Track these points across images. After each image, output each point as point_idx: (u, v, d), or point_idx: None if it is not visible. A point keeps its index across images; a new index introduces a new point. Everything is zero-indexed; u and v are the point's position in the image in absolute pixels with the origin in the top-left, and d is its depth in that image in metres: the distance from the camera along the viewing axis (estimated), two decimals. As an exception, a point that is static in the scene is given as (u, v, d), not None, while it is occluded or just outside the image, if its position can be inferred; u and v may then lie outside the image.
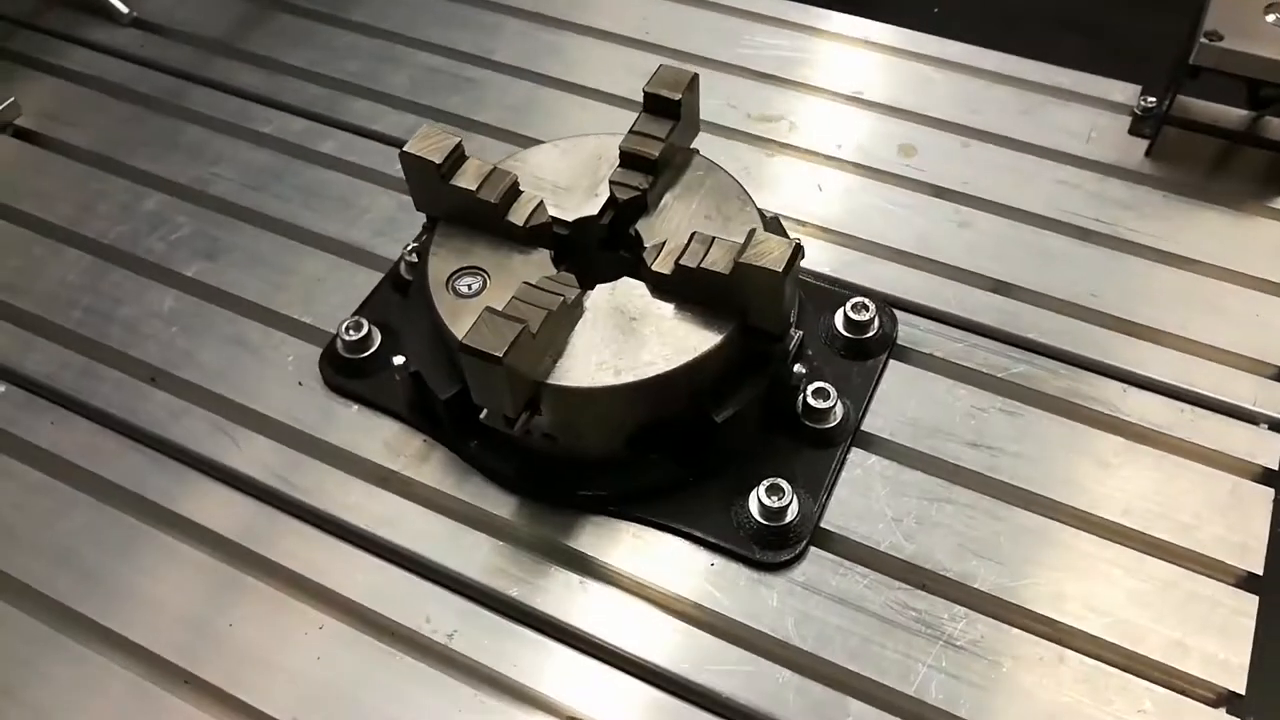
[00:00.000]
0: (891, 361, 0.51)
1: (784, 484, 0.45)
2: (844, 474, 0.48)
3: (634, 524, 0.47)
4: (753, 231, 0.42)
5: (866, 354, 0.51)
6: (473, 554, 0.46)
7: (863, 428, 0.49)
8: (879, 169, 0.60)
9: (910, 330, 0.52)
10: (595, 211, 0.48)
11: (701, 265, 0.43)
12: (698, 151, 0.51)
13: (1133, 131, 0.60)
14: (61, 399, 0.53)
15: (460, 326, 0.43)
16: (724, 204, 0.48)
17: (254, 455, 0.50)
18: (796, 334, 0.47)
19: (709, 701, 0.42)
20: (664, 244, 0.45)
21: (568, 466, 0.47)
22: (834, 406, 0.48)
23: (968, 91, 0.64)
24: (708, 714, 0.42)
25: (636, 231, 0.47)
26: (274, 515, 0.48)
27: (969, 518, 0.46)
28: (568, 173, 0.49)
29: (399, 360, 0.48)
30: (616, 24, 0.69)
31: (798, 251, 0.42)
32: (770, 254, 0.41)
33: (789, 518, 0.45)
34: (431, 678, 0.43)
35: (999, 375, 0.51)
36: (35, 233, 0.60)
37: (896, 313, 0.53)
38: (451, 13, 0.71)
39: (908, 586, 0.44)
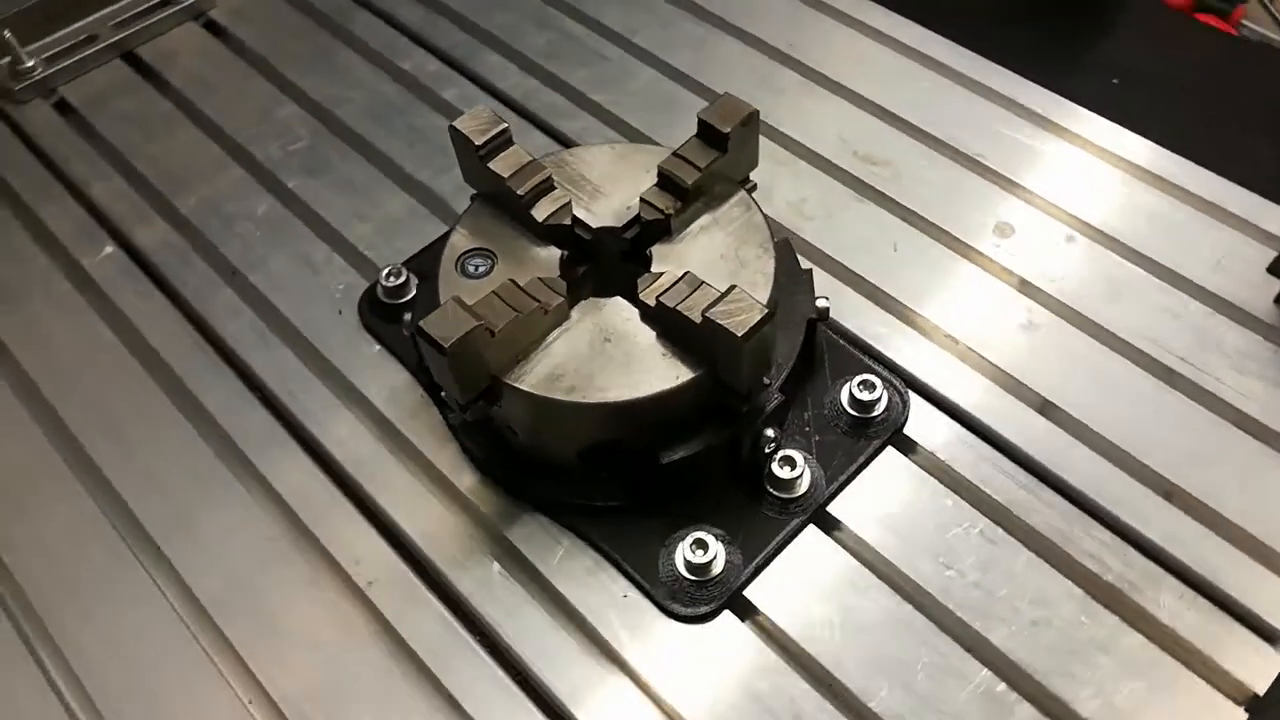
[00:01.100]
0: (889, 449, 0.49)
1: (711, 539, 0.45)
2: (791, 548, 0.46)
3: (571, 534, 0.47)
4: (732, 288, 0.41)
5: (863, 434, 0.48)
6: (421, 516, 0.49)
7: (829, 508, 0.47)
8: (965, 241, 0.56)
9: (925, 421, 0.49)
10: (620, 224, 0.48)
11: (677, 307, 0.42)
12: (745, 188, 0.49)
13: (1271, 270, 0.53)
14: (153, 274, 0.59)
15: (453, 299, 0.45)
16: (745, 248, 0.47)
17: (276, 364, 0.54)
18: (776, 397, 0.45)
19: (572, 724, 0.43)
20: (662, 274, 0.45)
21: (526, 462, 0.48)
22: (799, 478, 0.46)
23: (1101, 181, 0.58)
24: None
25: (650, 254, 0.47)
26: (273, 426, 0.53)
27: (897, 636, 0.44)
28: (613, 179, 0.50)
29: (407, 317, 0.50)
30: (764, 30, 0.67)
31: (766, 319, 0.40)
32: (735, 316, 0.40)
33: (710, 574, 0.45)
34: (341, 614, 0.46)
35: (997, 497, 0.47)
36: (185, 116, 0.67)
37: (916, 398, 0.50)
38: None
39: (805, 683, 0.43)
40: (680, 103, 0.64)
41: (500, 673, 0.44)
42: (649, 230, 0.47)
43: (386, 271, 0.55)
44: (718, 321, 0.40)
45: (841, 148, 0.60)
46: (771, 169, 0.60)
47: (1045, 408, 0.50)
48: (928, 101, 0.62)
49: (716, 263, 0.46)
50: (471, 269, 0.47)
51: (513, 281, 0.44)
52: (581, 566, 0.47)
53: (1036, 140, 0.60)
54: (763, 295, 0.45)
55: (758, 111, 0.47)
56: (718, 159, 0.47)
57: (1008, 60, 0.63)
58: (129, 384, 0.55)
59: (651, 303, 0.44)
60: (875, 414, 0.49)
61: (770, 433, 0.46)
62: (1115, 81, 0.66)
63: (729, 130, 0.46)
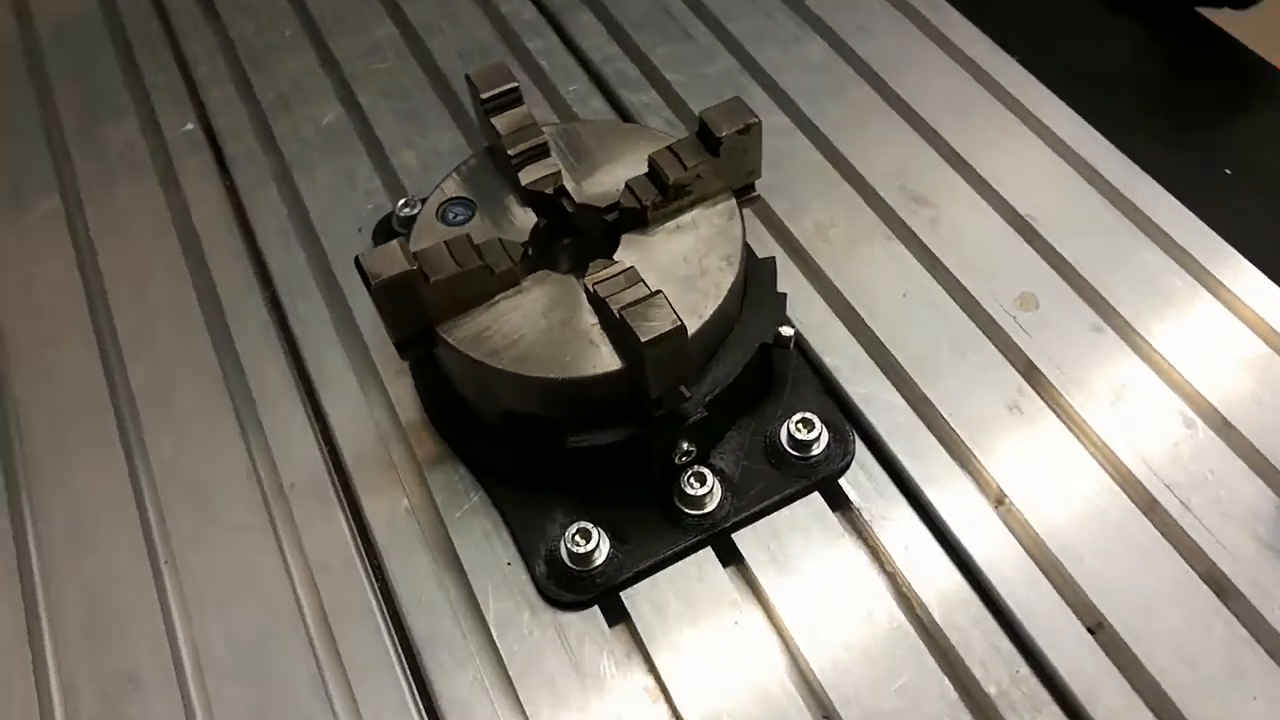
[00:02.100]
0: (815, 495, 0.47)
1: (597, 533, 0.45)
2: (682, 566, 0.45)
3: (483, 491, 0.48)
4: (657, 292, 0.41)
5: (791, 472, 0.47)
6: (358, 436, 0.51)
7: (735, 537, 0.46)
8: (983, 306, 0.52)
9: (867, 479, 0.47)
10: (603, 205, 0.48)
11: (605, 298, 0.42)
12: (745, 197, 0.48)
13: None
14: (218, 157, 0.64)
15: (418, 244, 0.47)
16: (710, 256, 0.45)
17: (288, 265, 0.57)
18: (700, 411, 0.44)
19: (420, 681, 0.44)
20: (614, 264, 0.44)
21: (459, 412, 0.49)
22: (706, 496, 0.45)
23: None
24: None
25: (620, 240, 0.47)
26: (266, 320, 0.56)
27: (758, 689, 0.42)
28: (616, 159, 0.49)
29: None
30: (859, 43, 0.64)
31: (675, 332, 0.39)
32: (647, 320, 0.40)
33: (590, 565, 0.45)
34: (258, 506, 0.49)
35: (914, 583, 0.44)
36: (296, 16, 0.71)
37: (865, 453, 0.48)
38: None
39: (645, 699, 0.43)
40: (748, 98, 0.62)
41: (374, 602, 0.46)
42: (626, 217, 0.47)
43: (403, 202, 0.56)
44: (628, 321, 0.40)
45: (891, 178, 0.58)
46: (811, 184, 0.58)
47: (1000, 504, 0.46)
48: (1003, 150, 0.58)
49: (677, 264, 0.45)
50: (451, 216, 0.48)
51: (468, 238, 0.45)
52: (481, 526, 0.47)
53: (1133, 244, 0.55)
54: (708, 307, 0.44)
55: (760, 123, 0.46)
56: (707, 161, 0.46)
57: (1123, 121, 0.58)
58: (162, 249, 0.59)
59: (590, 288, 0.43)
60: (809, 455, 0.47)
61: (686, 445, 0.45)
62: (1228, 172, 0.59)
63: (723, 135, 0.45)
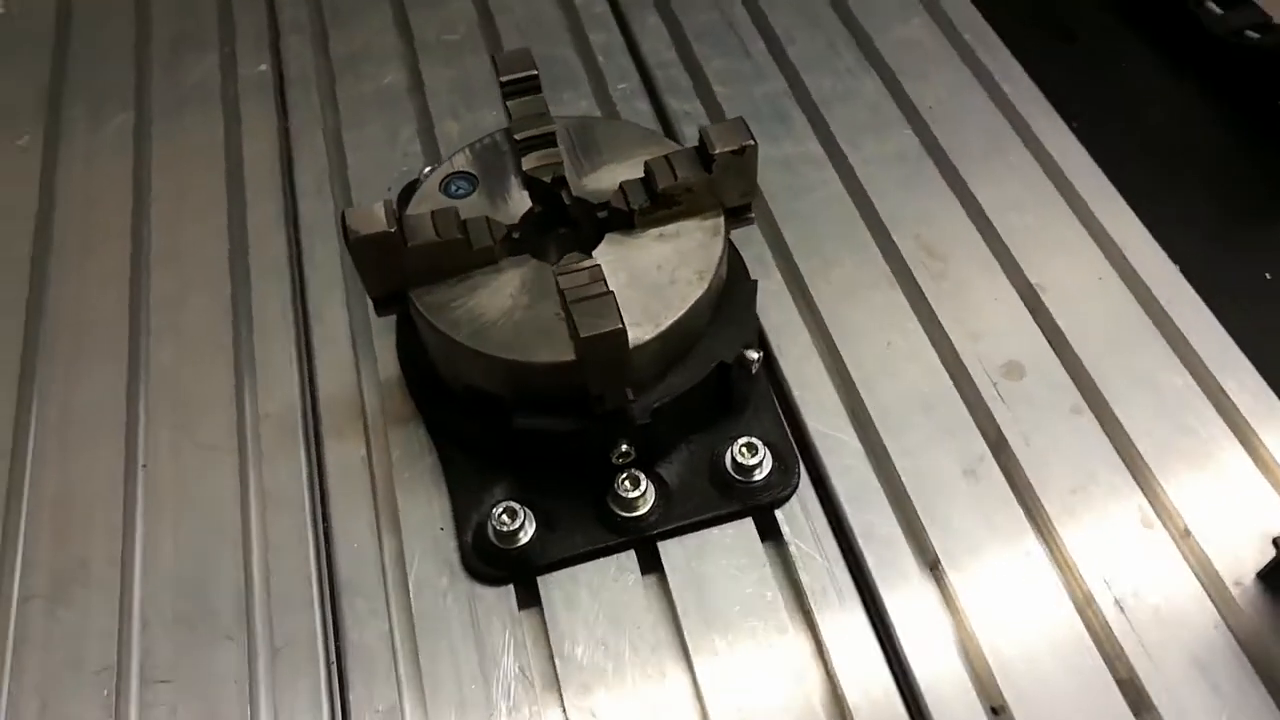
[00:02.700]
0: (748, 521, 0.47)
1: (524, 513, 0.46)
2: (602, 564, 0.46)
3: (437, 455, 0.50)
4: (608, 293, 0.41)
5: (728, 494, 0.47)
6: (339, 379, 0.53)
7: (660, 547, 0.47)
8: (965, 366, 0.51)
9: (805, 516, 0.47)
10: (596, 201, 0.49)
11: (563, 290, 0.43)
12: (740, 217, 0.49)
13: None
14: (281, 100, 0.67)
15: (416, 209, 0.49)
16: (683, 269, 0.46)
17: (316, 210, 0.60)
18: (644, 419, 0.45)
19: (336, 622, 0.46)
20: (585, 260, 0.45)
21: (428, 378, 0.50)
22: (637, 500, 0.46)
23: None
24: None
25: (603, 238, 0.48)
26: (282, 256, 0.59)
27: (647, 695, 0.43)
28: (623, 159, 0.50)
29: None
30: (913, 86, 0.64)
31: (613, 336, 0.40)
32: (588, 317, 0.40)
33: (513, 543, 0.46)
34: (229, 430, 0.52)
35: (823, 629, 0.44)
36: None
37: (809, 491, 0.48)
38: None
39: (535, 673, 0.44)
40: (789, 123, 0.63)
41: (311, 540, 0.48)
42: (615, 217, 0.48)
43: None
44: (573, 315, 0.41)
45: (909, 224, 0.57)
46: (829, 218, 0.58)
47: (933, 568, 0.46)
48: (1029, 213, 0.57)
49: (649, 270, 0.46)
50: (453, 189, 0.50)
51: (455, 211, 0.46)
52: (426, 488, 0.49)
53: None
54: (668, 318, 0.44)
55: (755, 146, 0.46)
56: (699, 176, 0.46)
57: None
58: (210, 176, 0.63)
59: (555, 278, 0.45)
60: (750, 480, 0.47)
61: (625, 447, 0.46)
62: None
63: (717, 153, 0.46)
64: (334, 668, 0.44)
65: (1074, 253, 0.56)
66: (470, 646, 0.44)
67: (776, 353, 0.53)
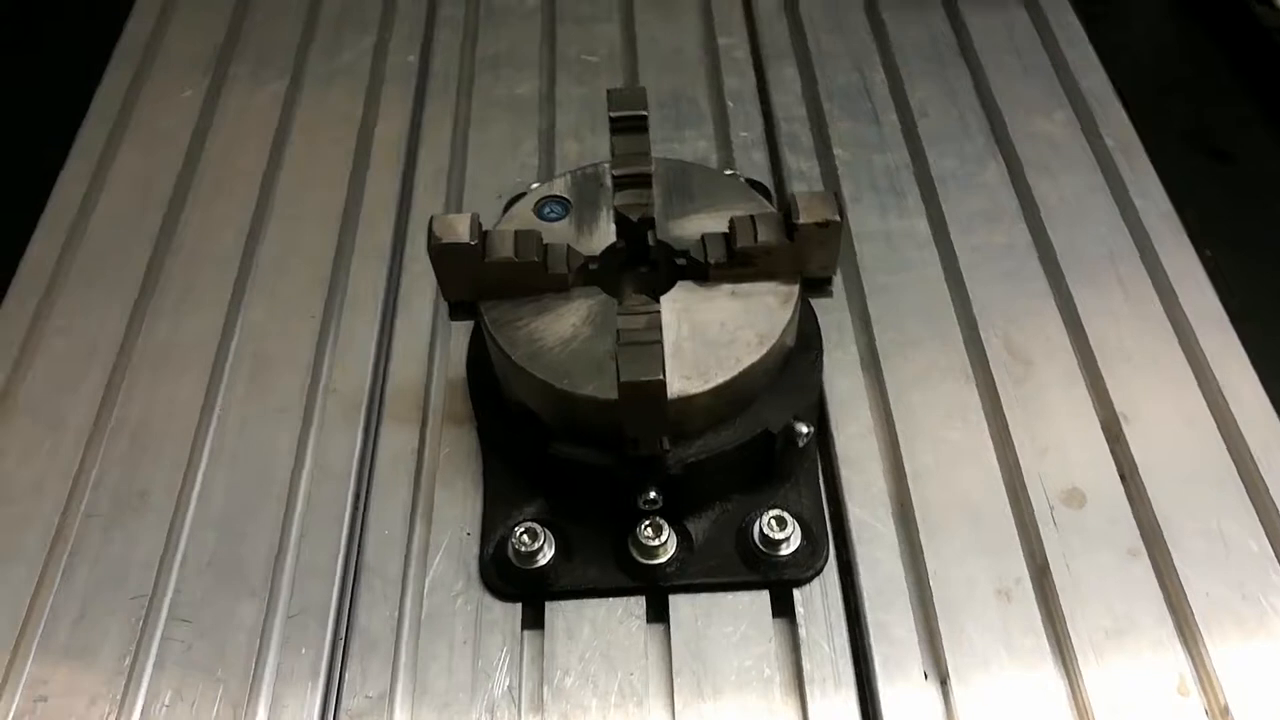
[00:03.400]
0: (764, 594, 0.46)
1: (545, 536, 0.47)
2: (611, 603, 0.46)
3: (483, 461, 0.51)
4: (656, 343, 0.41)
5: (750, 563, 0.47)
6: (411, 369, 0.55)
7: (672, 599, 0.47)
8: (1026, 489, 0.50)
9: (824, 603, 0.46)
10: (679, 248, 0.49)
11: (619, 330, 0.43)
12: (818, 288, 0.48)
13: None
14: (419, 87, 0.70)
15: (504, 225, 0.50)
16: (745, 331, 0.46)
17: (429, 198, 0.63)
18: (676, 469, 0.45)
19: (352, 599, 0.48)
20: (650, 304, 0.46)
21: (488, 386, 0.51)
22: (658, 549, 0.46)
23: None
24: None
25: (676, 285, 0.48)
26: (388, 227, 0.61)
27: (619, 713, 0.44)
28: (715, 210, 0.50)
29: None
30: (1042, 184, 0.62)
31: (651, 386, 0.40)
32: (631, 363, 0.41)
33: (531, 564, 0.47)
34: (297, 397, 0.54)
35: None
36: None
37: (833, 576, 0.47)
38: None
39: (524, 695, 0.44)
40: (902, 198, 0.62)
41: (347, 517, 0.50)
42: (691, 266, 0.48)
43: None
44: (618, 358, 0.41)
45: (999, 321, 0.55)
46: (920, 299, 0.57)
47: (943, 683, 0.44)
48: (1129, 333, 0.54)
49: (711, 326, 0.46)
50: (545, 211, 0.51)
51: (539, 235, 0.48)
52: (465, 491, 0.50)
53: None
54: (718, 377, 0.44)
55: (840, 224, 0.45)
56: (780, 241, 0.46)
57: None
58: (338, 150, 0.66)
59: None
60: (774, 553, 0.46)
61: (654, 494, 0.46)
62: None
63: (800, 223, 0.45)
64: (339, 644, 0.46)
65: (1169, 385, 0.53)
66: (468, 655, 0.45)
67: (833, 426, 0.52)
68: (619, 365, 0.41)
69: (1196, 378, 0.53)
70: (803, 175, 0.63)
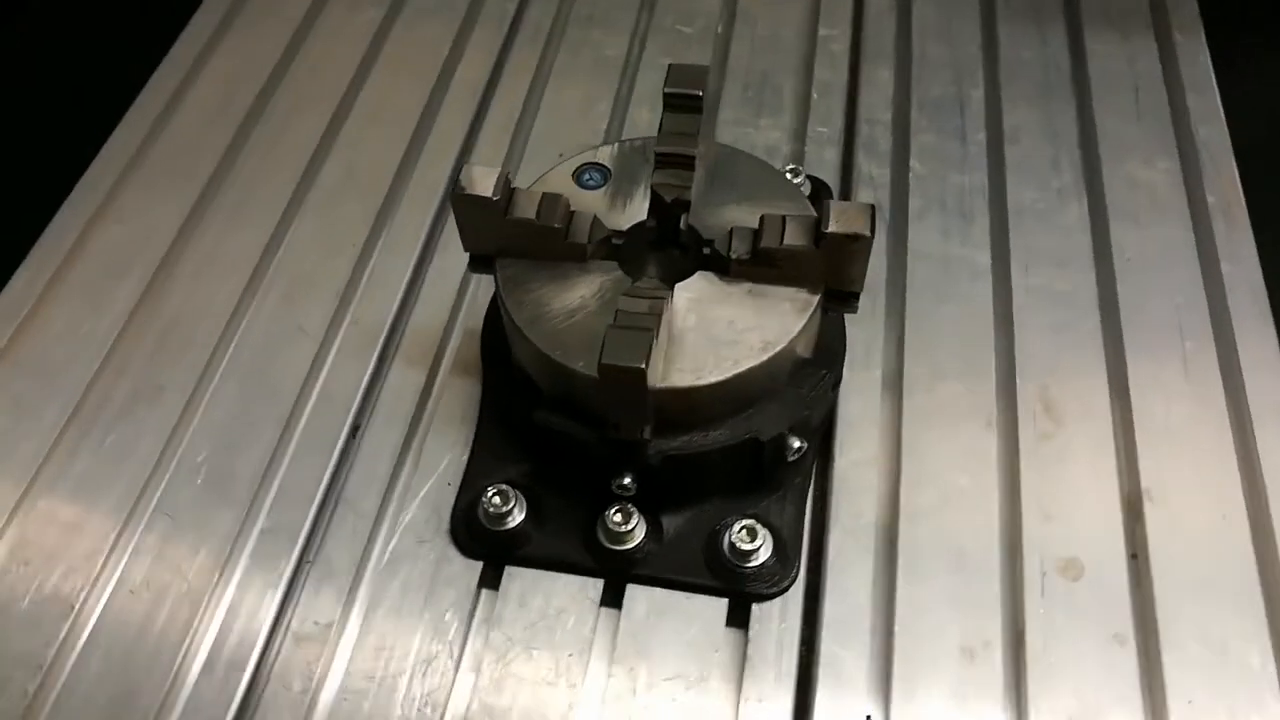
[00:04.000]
0: (722, 601, 0.45)
1: (517, 500, 0.46)
2: (568, 580, 0.46)
3: (479, 414, 0.51)
4: (649, 330, 0.40)
5: (712, 569, 0.45)
6: (434, 311, 0.56)
7: (629, 586, 0.46)
8: (1025, 581, 0.47)
9: (780, 625, 0.45)
10: (705, 236, 0.48)
11: (618, 310, 0.42)
12: (842, 303, 0.46)
13: None
14: (513, 32, 0.70)
15: (536, 186, 0.49)
16: (753, 333, 0.44)
17: (485, 144, 0.63)
18: (654, 459, 0.44)
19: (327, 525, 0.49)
20: (654, 285, 0.45)
21: (496, 342, 0.51)
22: (626, 534, 0.46)
23: None
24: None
25: (692, 273, 0.47)
26: (445, 169, 0.62)
27: (545, 690, 0.43)
28: (756, 204, 0.48)
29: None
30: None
31: (631, 373, 0.39)
32: (616, 346, 0.40)
33: (500, 526, 0.46)
34: (321, 322, 0.55)
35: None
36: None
37: (797, 597, 0.45)
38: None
39: (466, 654, 0.44)
40: (969, 223, 0.58)
41: (340, 445, 0.51)
42: (715, 257, 0.47)
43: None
44: (605, 338, 0.40)
45: (1038, 373, 0.52)
46: (959, 333, 0.54)
47: (894, 723, 0.43)
48: (1176, 405, 0.51)
49: (719, 322, 0.45)
50: (585, 179, 0.50)
51: (566, 200, 0.47)
52: (456, 440, 0.51)
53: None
54: (711, 375, 0.43)
55: (869, 240, 0.43)
56: (804, 246, 0.44)
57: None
58: (419, 86, 0.66)
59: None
60: (739, 564, 0.45)
61: (628, 480, 0.45)
62: None
63: (830, 232, 0.43)
64: (302, 568, 0.47)
65: (1209, 473, 0.49)
66: (419, 603, 0.46)
67: (837, 448, 0.50)
68: (604, 345, 0.40)
69: (1242, 473, 0.49)
70: (872, 181, 0.61)
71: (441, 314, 0.56)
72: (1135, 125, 0.63)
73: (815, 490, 0.49)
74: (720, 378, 0.43)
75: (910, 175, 0.61)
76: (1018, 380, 0.52)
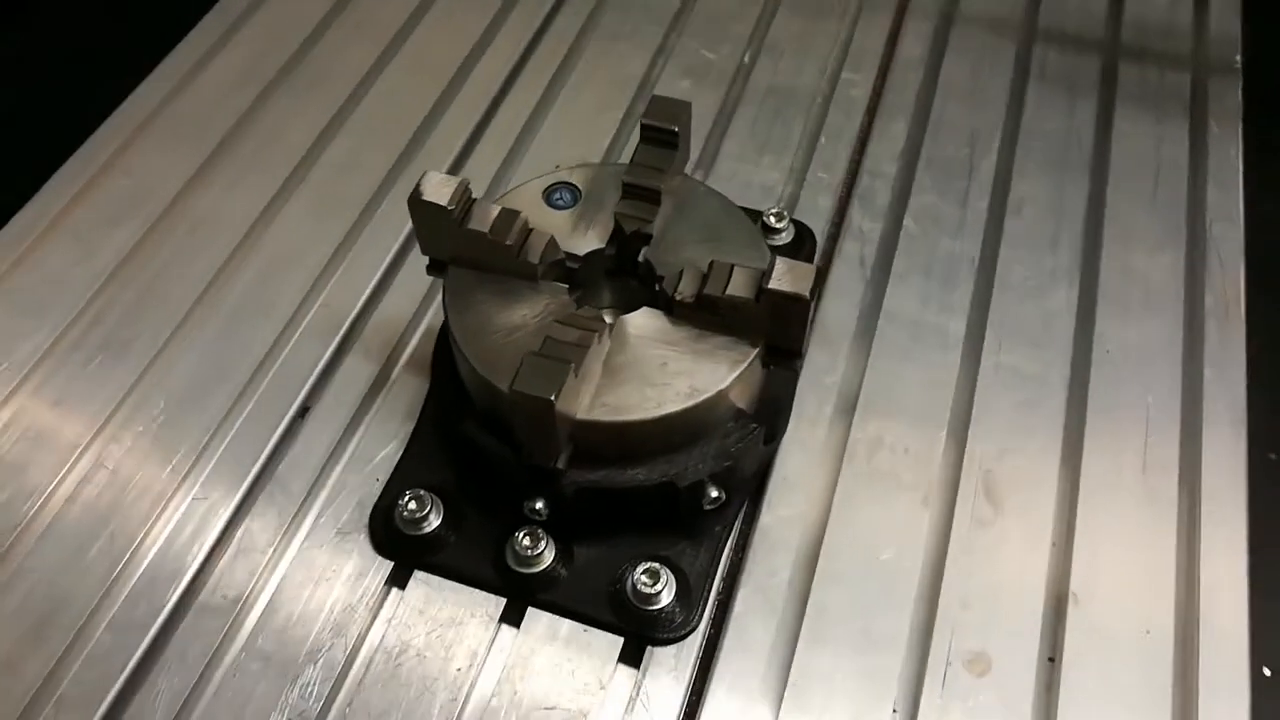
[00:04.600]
0: (619, 641, 0.45)
1: (433, 505, 0.47)
2: (471, 592, 0.46)
3: (419, 416, 0.52)
4: (568, 364, 0.40)
5: (615, 607, 0.45)
6: (401, 305, 0.56)
7: (530, 609, 0.46)
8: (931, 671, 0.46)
9: (672, 674, 0.45)
10: (659, 272, 0.48)
11: (546, 335, 0.42)
12: (773, 356, 0.46)
13: None
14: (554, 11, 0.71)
15: (501, 200, 0.50)
16: (682, 378, 0.44)
17: (491, 146, 0.64)
18: (567, 489, 0.44)
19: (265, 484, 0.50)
20: (595, 318, 0.44)
21: (445, 345, 0.51)
22: (534, 557, 0.46)
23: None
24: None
25: (642, 309, 0.46)
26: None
27: (423, 696, 0.44)
28: (715, 246, 0.48)
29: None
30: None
31: (538, 403, 0.39)
32: (530, 374, 0.40)
33: (417, 530, 0.47)
34: (301, 288, 0.57)
35: None
36: None
37: (694, 643, 0.45)
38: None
39: (359, 647, 0.45)
40: (951, 290, 0.57)
41: (287, 417, 0.52)
42: (662, 296, 0.47)
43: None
44: (522, 363, 0.40)
45: (990, 454, 0.51)
46: (916, 401, 0.53)
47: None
48: (1125, 524, 0.49)
49: (651, 361, 0.44)
50: (555, 198, 0.51)
51: (525, 219, 0.47)
52: (392, 436, 0.51)
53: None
54: (632, 415, 0.43)
55: (807, 304, 0.42)
56: (745, 299, 0.44)
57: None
58: (449, 55, 0.67)
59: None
60: (642, 605, 0.45)
61: (540, 505, 0.45)
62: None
63: (768, 288, 0.43)
64: (223, 542, 0.48)
65: (1144, 585, 0.47)
66: (325, 593, 0.46)
67: (766, 502, 0.49)
68: (518, 371, 0.40)
69: (1178, 586, 0.47)
70: (861, 235, 0.60)
71: (408, 309, 0.56)
72: (1148, 212, 0.61)
73: (737, 541, 0.49)
74: (641, 418, 0.43)
75: (901, 233, 0.59)
76: (965, 459, 0.51)
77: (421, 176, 0.46)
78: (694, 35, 0.70)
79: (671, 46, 0.70)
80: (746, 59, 0.69)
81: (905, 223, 0.60)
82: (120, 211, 0.60)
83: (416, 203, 0.46)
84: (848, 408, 0.53)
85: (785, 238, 0.57)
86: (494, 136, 0.65)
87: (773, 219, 0.57)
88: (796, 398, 0.52)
